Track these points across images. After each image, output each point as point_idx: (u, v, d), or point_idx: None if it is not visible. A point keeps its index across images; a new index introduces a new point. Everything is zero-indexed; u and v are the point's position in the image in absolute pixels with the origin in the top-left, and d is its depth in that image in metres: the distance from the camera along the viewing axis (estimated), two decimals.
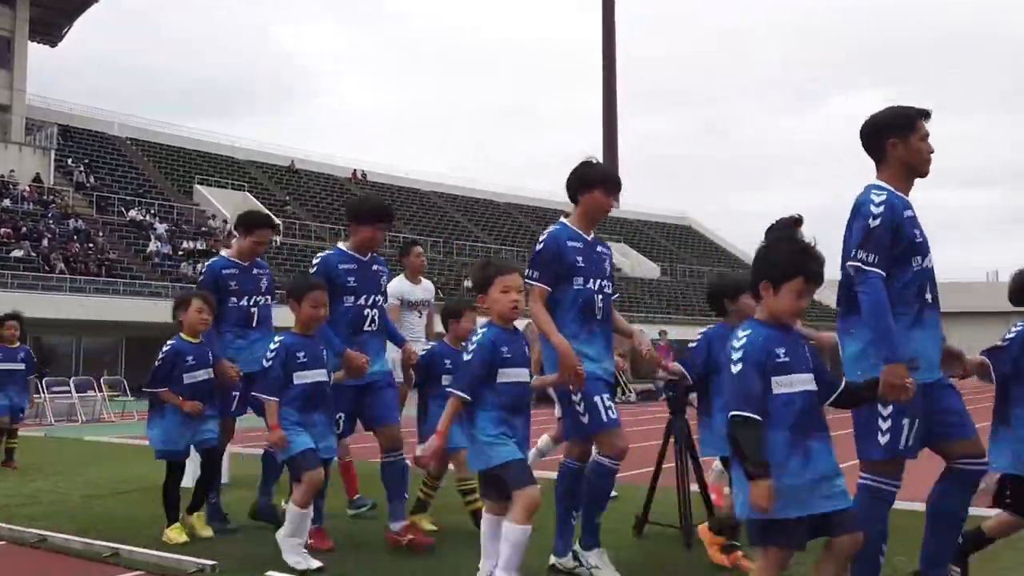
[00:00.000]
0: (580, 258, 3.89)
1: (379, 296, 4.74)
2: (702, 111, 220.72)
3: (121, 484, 6.76)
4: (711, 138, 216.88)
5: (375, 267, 4.79)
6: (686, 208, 74.62)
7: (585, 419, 3.75)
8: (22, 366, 8.29)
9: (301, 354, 4.14)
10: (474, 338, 3.55)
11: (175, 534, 4.60)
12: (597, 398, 3.72)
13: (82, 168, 36.34)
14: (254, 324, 5.19)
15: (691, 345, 4.34)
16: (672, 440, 4.71)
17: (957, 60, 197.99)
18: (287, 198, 43.36)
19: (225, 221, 37.06)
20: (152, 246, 32.07)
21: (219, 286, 5.14)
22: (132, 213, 34.03)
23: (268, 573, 3.88)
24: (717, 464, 5.21)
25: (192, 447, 4.84)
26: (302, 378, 4.13)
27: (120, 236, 32.75)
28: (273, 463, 5.07)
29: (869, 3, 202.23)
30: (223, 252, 5.38)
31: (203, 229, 35.58)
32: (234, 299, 5.18)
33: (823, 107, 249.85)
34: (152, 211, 35.33)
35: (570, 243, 3.92)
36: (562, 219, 4.08)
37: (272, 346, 4.19)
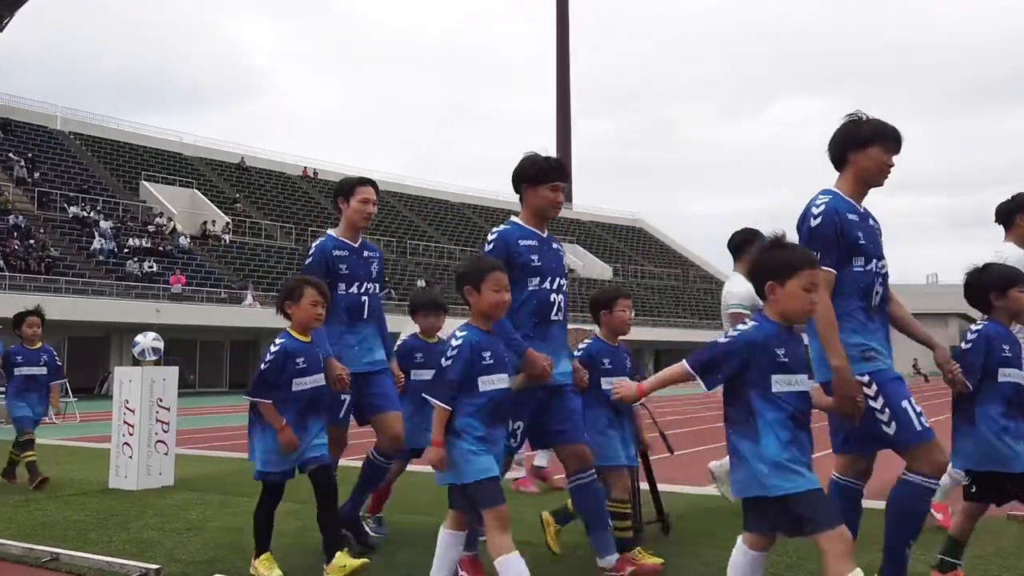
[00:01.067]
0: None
1: (564, 279, 3.90)
2: (653, 115, 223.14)
3: (62, 487, 6.58)
4: (662, 142, 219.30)
5: (555, 244, 3.95)
6: (638, 210, 75.41)
7: (891, 429, 3.21)
8: (44, 370, 7.03)
9: (488, 354, 3.23)
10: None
11: (265, 568, 3.83)
12: (905, 403, 3.20)
13: (23, 163, 35.27)
14: (365, 316, 4.41)
15: (965, 345, 3.60)
16: None
17: (895, 67, 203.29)
18: (237, 196, 42.67)
19: (170, 219, 36.35)
20: (96, 243, 31.28)
21: (329, 271, 4.38)
22: (74, 209, 33.14)
23: None
24: (949, 478, 4.70)
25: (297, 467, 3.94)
26: (490, 383, 3.22)
27: (62, 233, 31.88)
28: (376, 470, 4.54)
29: (812, 14, 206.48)
30: (330, 231, 4.57)
31: (150, 227, 34.82)
32: (343, 286, 4.41)
33: (767, 112, 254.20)
34: (97, 208, 34.46)
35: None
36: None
37: (455, 343, 3.22)
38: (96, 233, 31.93)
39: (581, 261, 56.33)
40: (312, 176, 50.40)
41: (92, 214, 33.54)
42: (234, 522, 5.10)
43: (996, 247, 4.90)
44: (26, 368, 6.96)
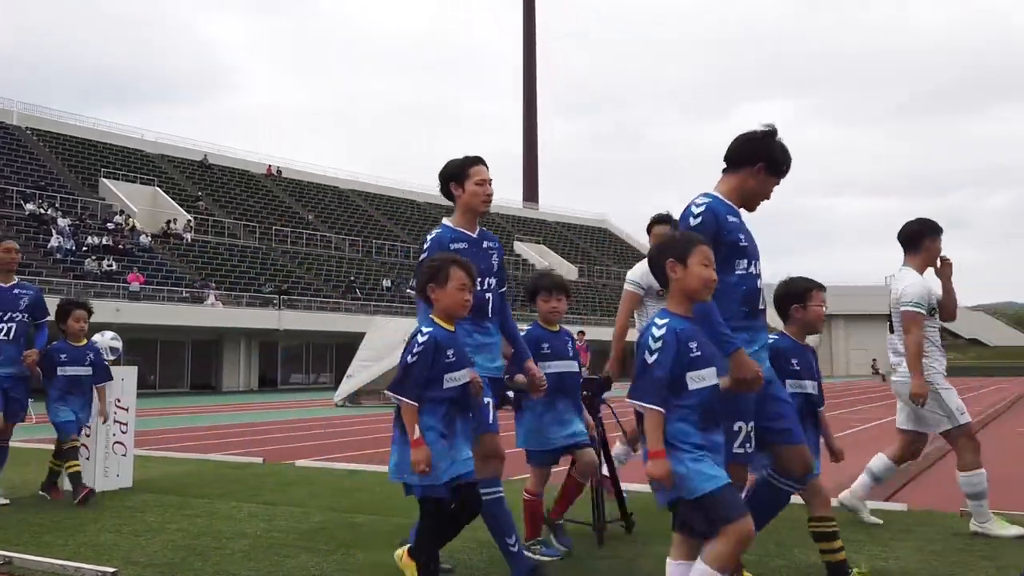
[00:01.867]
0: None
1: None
2: (620, 117, 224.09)
3: (14, 489, 6.43)
4: (629, 143, 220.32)
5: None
6: (604, 211, 75.73)
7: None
8: (89, 371, 6.24)
9: (694, 344, 2.81)
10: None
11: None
12: None
13: None
14: (490, 314, 3.92)
15: None
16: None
17: (860, 72, 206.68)
18: (199, 194, 42.08)
19: (130, 217, 35.75)
20: (54, 241, 30.66)
21: None
22: (31, 207, 32.45)
23: None
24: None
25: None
26: (699, 380, 2.79)
27: (19, 231, 31.16)
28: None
29: (777, 18, 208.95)
30: (445, 220, 3.97)
31: (109, 225, 34.19)
32: None
33: (734, 115, 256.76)
34: (55, 205, 33.76)
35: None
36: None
37: (657, 332, 2.79)
38: (54, 231, 31.29)
39: (547, 262, 56.43)
40: (276, 174, 49.88)
41: (50, 211, 32.86)
42: (193, 524, 5.03)
43: (895, 272, 4.93)
44: (71, 368, 6.16)
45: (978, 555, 4.14)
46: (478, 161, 3.88)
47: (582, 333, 23.61)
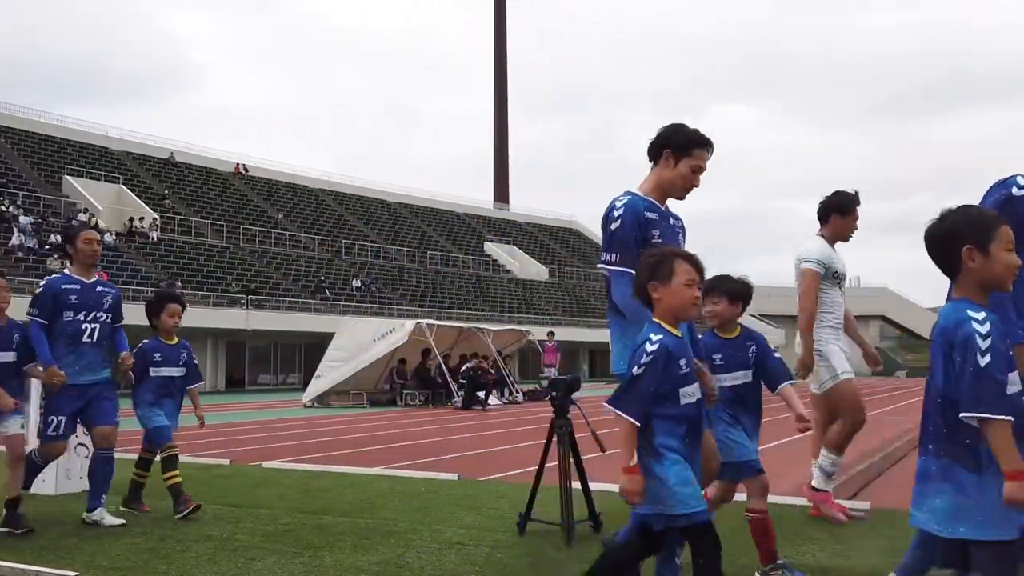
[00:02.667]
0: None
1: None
2: (592, 118, 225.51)
3: None
4: (601, 144, 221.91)
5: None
6: (574, 212, 75.99)
7: None
8: (183, 371, 5.71)
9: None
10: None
11: None
12: None
13: None
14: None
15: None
16: (556, 439, 4.78)
17: (830, 76, 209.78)
18: (166, 192, 41.54)
19: (93, 215, 35.18)
20: (15, 239, 30.07)
21: (642, 237, 3.27)
22: None
23: None
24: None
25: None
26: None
27: None
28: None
29: (747, 23, 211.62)
30: (633, 188, 3.46)
31: (73, 222, 33.62)
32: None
33: (703, 117, 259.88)
34: (16, 202, 33.13)
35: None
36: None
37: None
38: (15, 228, 30.70)
39: (517, 262, 56.53)
40: (244, 173, 49.39)
41: (11, 209, 32.24)
42: (157, 527, 4.97)
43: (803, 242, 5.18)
44: (164, 369, 5.60)
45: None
46: (706, 144, 3.41)
47: (552, 334, 23.70)
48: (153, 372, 5.57)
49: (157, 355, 5.58)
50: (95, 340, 5.10)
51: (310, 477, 7.21)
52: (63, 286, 5.05)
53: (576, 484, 4.78)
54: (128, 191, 39.11)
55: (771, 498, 5.83)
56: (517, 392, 21.62)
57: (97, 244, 5.24)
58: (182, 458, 9.05)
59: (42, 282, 5.17)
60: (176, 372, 5.67)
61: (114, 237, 34.26)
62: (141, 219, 36.85)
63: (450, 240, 55.21)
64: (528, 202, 72.50)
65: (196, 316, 31.73)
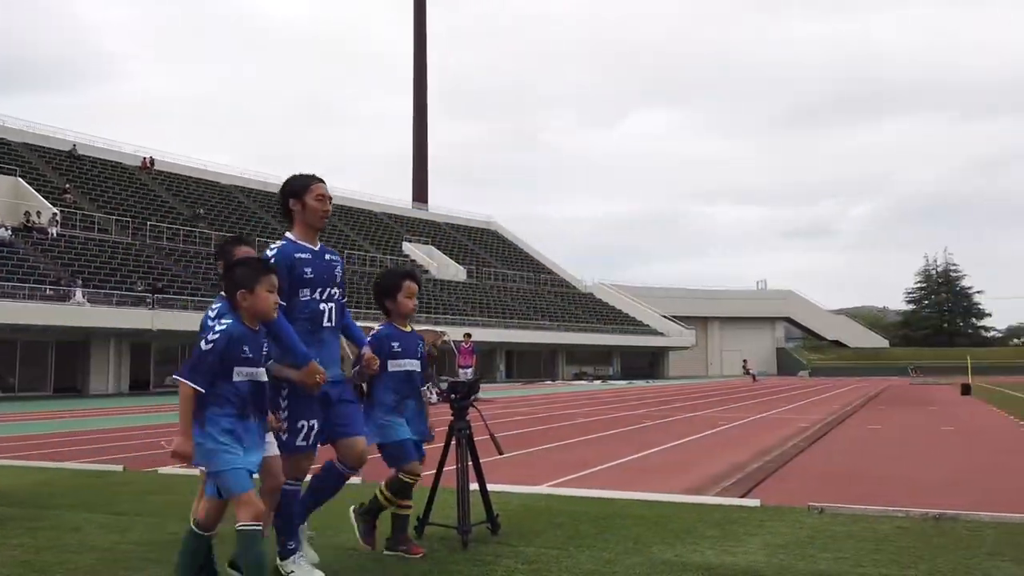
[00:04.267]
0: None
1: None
2: (512, 120, 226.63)
3: None
4: (522, 147, 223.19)
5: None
6: (492, 213, 76.25)
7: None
8: (418, 365, 4.56)
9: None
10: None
11: None
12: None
13: None
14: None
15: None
16: (454, 442, 4.77)
17: (738, 87, 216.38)
18: (67, 185, 39.75)
19: None
20: None
21: None
22: None
23: None
24: None
25: None
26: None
27: None
28: None
29: (667, 32, 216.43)
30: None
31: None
32: None
33: (624, 122, 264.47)
34: None
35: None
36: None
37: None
38: None
39: (435, 262, 56.33)
40: (150, 167, 47.71)
41: None
42: (36, 538, 4.74)
43: None
44: (405, 361, 4.41)
45: (819, 548, 4.39)
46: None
47: (468, 335, 23.63)
48: (392, 366, 4.37)
49: (396, 344, 4.38)
50: (334, 323, 4.04)
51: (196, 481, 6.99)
52: (296, 255, 3.92)
53: (475, 486, 4.78)
54: (25, 184, 37.28)
55: (663, 496, 6.00)
56: (431, 393, 21.50)
57: (328, 202, 4.09)
58: (73, 464, 8.75)
59: (271, 249, 3.94)
60: (416, 366, 4.49)
61: (10, 232, 32.63)
62: (39, 213, 35.19)
63: (368, 240, 54.61)
64: (447, 202, 72.31)
65: (98, 316, 30.54)
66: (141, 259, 36.40)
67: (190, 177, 49.65)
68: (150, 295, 32.56)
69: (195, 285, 35.96)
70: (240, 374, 3.34)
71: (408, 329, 4.56)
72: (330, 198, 4.10)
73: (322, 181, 4.09)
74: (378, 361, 4.14)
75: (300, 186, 4.02)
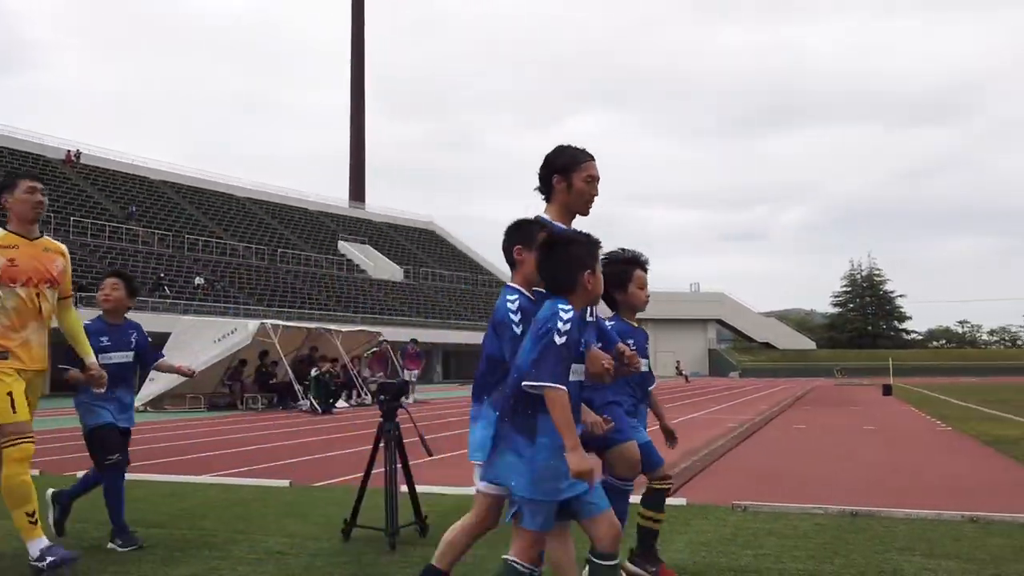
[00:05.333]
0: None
1: None
2: (452, 121, 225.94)
3: None
4: (460, 147, 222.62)
5: None
6: (431, 213, 75.96)
7: None
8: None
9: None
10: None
11: None
12: None
13: None
14: None
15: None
16: (383, 444, 4.74)
17: (675, 93, 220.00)
18: None
19: None
20: None
21: None
22: None
23: None
24: None
25: None
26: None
27: None
28: None
29: (608, 37, 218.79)
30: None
31: None
32: None
33: (562, 125, 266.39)
34: None
35: None
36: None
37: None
38: None
39: (372, 262, 55.82)
40: (76, 161, 46.12)
41: None
42: None
43: None
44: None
45: (741, 545, 4.49)
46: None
47: (415, 341, 23.51)
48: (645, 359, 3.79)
49: (631, 342, 3.73)
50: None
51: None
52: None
53: (404, 488, 4.76)
54: None
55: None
56: (366, 395, 21.34)
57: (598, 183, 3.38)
58: None
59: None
60: (646, 366, 3.80)
61: None
62: None
63: (302, 238, 53.79)
64: (385, 202, 71.77)
65: None
66: None
67: (118, 172, 48.18)
68: (72, 293, 31.46)
69: None
70: (575, 372, 2.74)
71: (636, 324, 4.02)
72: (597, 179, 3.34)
73: (593, 159, 3.33)
74: (638, 358, 3.39)
75: (569, 161, 3.26)
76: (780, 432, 12.50)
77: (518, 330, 2.88)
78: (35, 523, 3.89)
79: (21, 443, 3.87)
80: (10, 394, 3.93)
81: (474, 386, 3.10)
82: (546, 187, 3.31)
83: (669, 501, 5.86)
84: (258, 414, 17.71)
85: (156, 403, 18.79)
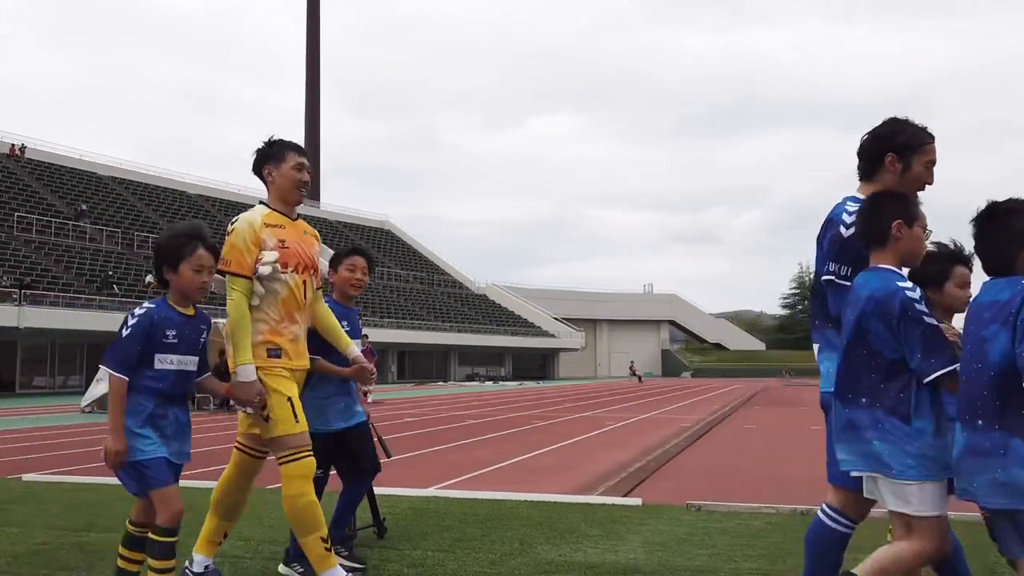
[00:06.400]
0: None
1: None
2: (411, 120, 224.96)
3: None
4: (418, 147, 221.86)
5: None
6: (387, 212, 75.55)
7: None
8: None
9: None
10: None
11: None
12: None
13: None
14: None
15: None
16: None
17: (634, 96, 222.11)
18: None
19: None
20: None
21: None
22: None
23: None
24: None
25: None
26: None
27: None
28: None
29: (563, 39, 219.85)
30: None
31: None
32: None
33: (524, 127, 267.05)
34: None
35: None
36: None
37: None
38: None
39: (326, 261, 55.29)
40: (20, 155, 44.84)
41: None
42: None
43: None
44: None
45: (695, 544, 4.57)
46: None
47: (366, 337, 23.26)
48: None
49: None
50: None
51: (78, 490, 6.66)
52: None
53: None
54: None
55: (549, 496, 6.11)
56: None
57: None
58: None
59: None
60: None
61: None
62: None
63: None
64: (340, 201, 71.11)
65: None
66: (7, 252, 34.16)
67: (64, 167, 46.98)
68: (17, 290, 30.60)
69: (67, 281, 34.04)
70: None
71: None
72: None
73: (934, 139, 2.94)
74: None
75: (912, 140, 2.87)
76: (732, 432, 12.71)
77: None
78: (331, 550, 3.37)
79: (304, 457, 3.38)
80: (290, 400, 3.41)
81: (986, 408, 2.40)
82: (871, 164, 2.89)
83: (625, 501, 5.96)
84: (210, 414, 17.43)
85: (103, 404, 18.36)
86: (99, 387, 18.49)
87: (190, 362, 3.28)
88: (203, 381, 3.44)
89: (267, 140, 3.64)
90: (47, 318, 30.47)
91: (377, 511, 4.78)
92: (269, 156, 3.61)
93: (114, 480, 7.10)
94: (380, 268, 59.19)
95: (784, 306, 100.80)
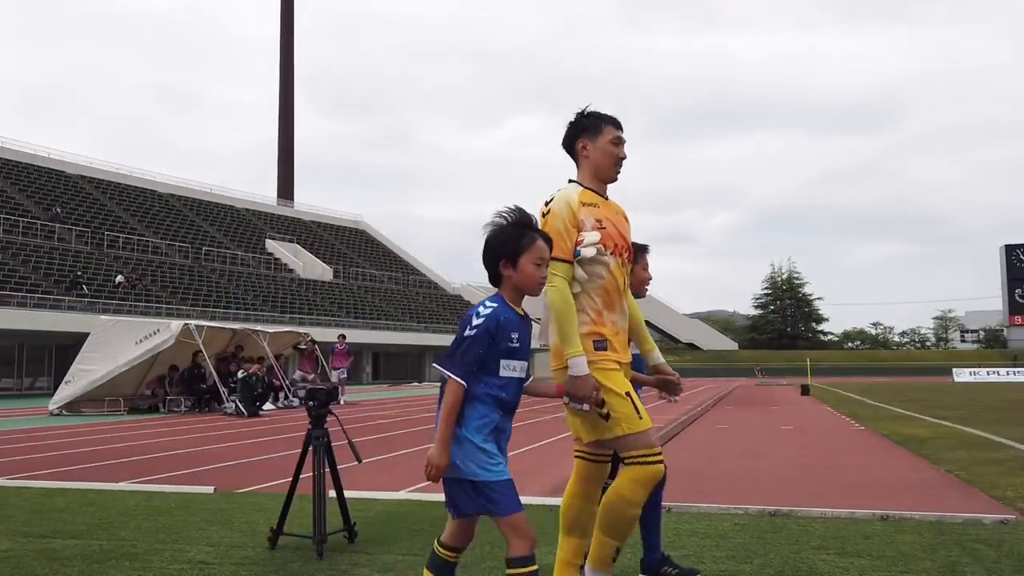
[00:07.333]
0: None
1: None
2: (385, 120, 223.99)
3: None
4: (393, 146, 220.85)
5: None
6: (361, 212, 75.24)
7: None
8: None
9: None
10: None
11: None
12: None
13: None
14: None
15: None
16: (311, 449, 4.70)
17: (610, 96, 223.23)
18: None
19: None
20: None
21: None
22: None
23: None
24: None
25: None
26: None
27: None
28: None
29: (538, 40, 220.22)
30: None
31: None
32: None
33: (500, 128, 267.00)
34: None
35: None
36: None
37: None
38: None
39: (301, 261, 54.95)
40: None
41: None
42: None
43: None
44: None
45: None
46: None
47: (342, 337, 23.14)
48: None
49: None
50: None
51: (43, 495, 6.57)
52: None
53: (332, 493, 4.73)
54: None
55: (522, 498, 6.11)
56: (293, 397, 21.00)
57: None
58: None
59: None
60: None
61: None
62: None
63: (228, 236, 52.58)
64: (314, 200, 70.70)
65: None
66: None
67: (32, 165, 46.28)
68: None
69: (35, 281, 33.53)
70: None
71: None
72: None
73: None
74: None
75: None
76: (703, 432, 12.80)
77: None
78: (614, 561, 3.21)
79: (656, 463, 3.05)
80: (629, 395, 3.10)
81: None
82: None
83: (558, 501, 5.98)
84: (181, 417, 17.26)
85: (72, 407, 18.13)
86: (68, 389, 18.26)
87: (524, 369, 2.91)
88: (528, 385, 3.01)
89: (581, 111, 3.34)
90: (14, 319, 30.01)
91: (348, 515, 4.76)
92: (584, 128, 3.32)
93: (82, 485, 7.05)
94: (354, 268, 58.94)
95: (756, 306, 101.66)
